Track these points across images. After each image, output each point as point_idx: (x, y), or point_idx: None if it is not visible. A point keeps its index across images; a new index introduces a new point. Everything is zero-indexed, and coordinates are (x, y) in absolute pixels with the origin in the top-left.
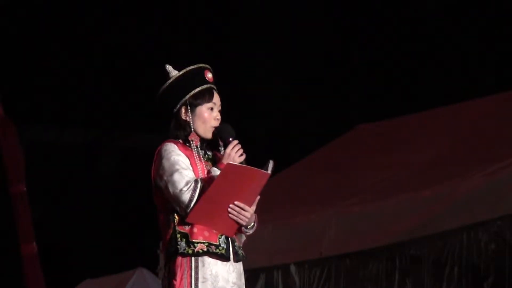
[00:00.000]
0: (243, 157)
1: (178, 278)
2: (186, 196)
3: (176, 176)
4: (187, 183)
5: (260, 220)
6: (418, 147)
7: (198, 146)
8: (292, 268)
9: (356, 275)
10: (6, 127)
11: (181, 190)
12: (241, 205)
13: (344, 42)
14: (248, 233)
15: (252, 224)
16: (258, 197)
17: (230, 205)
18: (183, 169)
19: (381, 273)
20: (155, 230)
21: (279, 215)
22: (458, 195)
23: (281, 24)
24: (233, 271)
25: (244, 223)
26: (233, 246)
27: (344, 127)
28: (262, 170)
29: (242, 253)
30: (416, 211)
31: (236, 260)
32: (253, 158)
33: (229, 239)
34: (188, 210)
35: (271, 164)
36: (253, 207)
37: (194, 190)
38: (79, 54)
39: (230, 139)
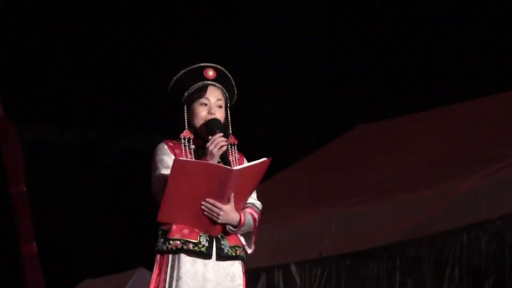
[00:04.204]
0: (223, 149)
1: (154, 275)
2: (161, 195)
3: (157, 175)
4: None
5: (260, 220)
6: (418, 147)
7: (191, 143)
8: (293, 268)
9: (357, 275)
10: (6, 127)
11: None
12: (211, 201)
13: (344, 42)
14: (232, 232)
15: (237, 222)
16: (232, 194)
17: (202, 202)
18: (164, 168)
19: (382, 273)
20: (155, 230)
21: (279, 215)
22: (458, 195)
23: (281, 24)
24: (218, 270)
25: (219, 221)
26: (218, 244)
27: (344, 127)
28: (219, 165)
29: (233, 253)
30: (416, 211)
31: (220, 259)
32: (253, 158)
33: (214, 237)
34: None
35: (259, 161)
36: (230, 205)
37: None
38: (79, 54)
39: (217, 131)
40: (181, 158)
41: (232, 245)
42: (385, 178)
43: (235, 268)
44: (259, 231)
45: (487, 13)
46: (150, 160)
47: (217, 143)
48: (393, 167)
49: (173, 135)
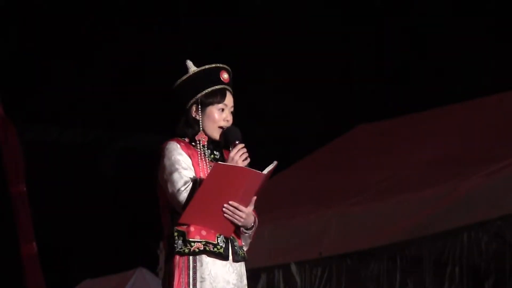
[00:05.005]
0: (247, 161)
1: (176, 277)
2: (183, 196)
3: (175, 176)
4: (185, 183)
5: (260, 220)
6: (418, 147)
7: (205, 145)
8: (293, 268)
9: (357, 275)
10: (6, 127)
11: (178, 190)
12: (235, 204)
13: (343, 41)
14: (247, 234)
15: (251, 224)
16: (255, 197)
17: (225, 205)
18: (183, 168)
19: (382, 273)
20: (155, 230)
21: (279, 215)
22: (458, 195)
23: (281, 24)
24: (233, 271)
25: (240, 223)
26: (233, 246)
27: (344, 127)
28: (255, 170)
29: (243, 254)
30: (416, 211)
31: (235, 260)
32: (253, 159)
33: (229, 238)
34: (183, 211)
35: (272, 165)
36: (250, 208)
37: (191, 191)
38: (79, 54)
39: (237, 142)
40: (222, 163)
41: (240, 245)
42: (385, 178)
43: (243, 269)
44: (259, 231)
45: (487, 13)
46: (159, 157)
47: (242, 154)
48: (393, 167)
49: (173, 135)
